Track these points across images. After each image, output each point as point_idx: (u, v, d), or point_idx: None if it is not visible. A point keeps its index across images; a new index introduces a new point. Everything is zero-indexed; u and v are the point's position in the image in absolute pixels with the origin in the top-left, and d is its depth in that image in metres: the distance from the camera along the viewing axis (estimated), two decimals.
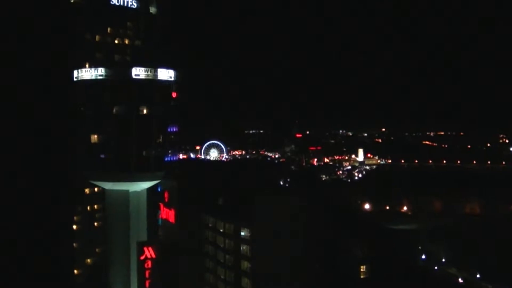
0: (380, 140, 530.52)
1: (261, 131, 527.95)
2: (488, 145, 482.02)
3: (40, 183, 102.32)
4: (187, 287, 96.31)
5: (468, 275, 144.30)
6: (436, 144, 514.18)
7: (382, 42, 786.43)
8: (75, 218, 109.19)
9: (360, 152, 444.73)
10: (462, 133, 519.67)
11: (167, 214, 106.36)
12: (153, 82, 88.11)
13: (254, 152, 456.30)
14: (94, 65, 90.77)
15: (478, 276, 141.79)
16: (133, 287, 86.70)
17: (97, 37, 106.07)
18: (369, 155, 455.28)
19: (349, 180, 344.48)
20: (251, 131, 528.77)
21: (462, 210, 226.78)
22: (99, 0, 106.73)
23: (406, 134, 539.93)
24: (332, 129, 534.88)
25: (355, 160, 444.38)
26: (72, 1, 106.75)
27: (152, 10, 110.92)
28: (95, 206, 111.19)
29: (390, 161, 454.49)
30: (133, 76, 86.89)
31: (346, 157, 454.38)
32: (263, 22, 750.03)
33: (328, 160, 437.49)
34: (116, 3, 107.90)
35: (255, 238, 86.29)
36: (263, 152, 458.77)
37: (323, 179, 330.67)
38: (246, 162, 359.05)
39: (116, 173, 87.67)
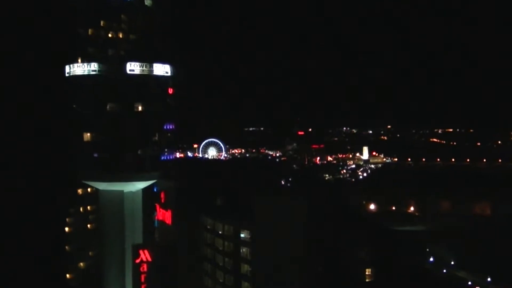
0: (385, 138, 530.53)
1: (262, 129, 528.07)
2: (499, 142, 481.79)
3: (29, 183, 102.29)
4: None
5: (478, 279, 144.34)
6: (444, 142, 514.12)
7: (385, 38, 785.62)
8: (67, 220, 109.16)
9: (365, 150, 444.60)
10: (471, 130, 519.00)
11: (164, 215, 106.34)
12: (148, 78, 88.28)
13: (254, 150, 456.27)
14: (87, 60, 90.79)
15: (488, 279, 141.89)
16: None
17: (90, 31, 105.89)
18: (374, 153, 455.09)
19: (353, 180, 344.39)
20: (251, 129, 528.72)
21: (472, 210, 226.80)
22: None
23: (413, 131, 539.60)
24: (335, 127, 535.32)
25: (359, 159, 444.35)
26: None
27: (148, 2, 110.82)
28: (88, 208, 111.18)
29: (396, 159, 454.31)
30: (128, 72, 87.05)
31: (350, 156, 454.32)
32: (263, 21, 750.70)
33: (331, 159, 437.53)
34: None
35: (255, 240, 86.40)
36: (263, 151, 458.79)
37: (326, 178, 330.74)
38: (245, 161, 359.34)
39: (110, 173, 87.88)
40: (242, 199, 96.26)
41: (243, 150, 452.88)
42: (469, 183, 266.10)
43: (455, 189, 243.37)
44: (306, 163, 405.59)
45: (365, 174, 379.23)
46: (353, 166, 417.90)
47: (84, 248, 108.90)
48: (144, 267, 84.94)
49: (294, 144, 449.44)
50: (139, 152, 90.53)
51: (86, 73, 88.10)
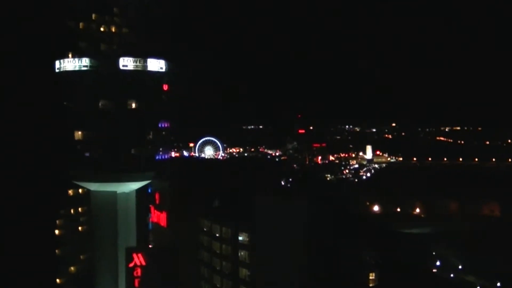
0: (390, 136, 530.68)
1: (261, 127, 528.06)
2: (509, 141, 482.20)
3: (17, 184, 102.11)
4: None
5: (487, 283, 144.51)
6: (451, 140, 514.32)
7: (390, 34, 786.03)
8: (57, 222, 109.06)
9: (368, 149, 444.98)
10: (479, 128, 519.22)
11: (158, 217, 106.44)
12: (142, 74, 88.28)
13: (253, 149, 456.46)
14: (78, 55, 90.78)
15: (498, 284, 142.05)
16: None
17: (81, 24, 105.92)
18: (378, 152, 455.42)
19: (356, 180, 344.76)
20: (249, 127, 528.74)
21: (480, 212, 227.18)
22: None
23: (419, 129, 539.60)
24: (337, 124, 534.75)
25: (362, 158, 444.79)
26: None
27: None
28: (80, 209, 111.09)
29: (401, 159, 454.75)
30: (121, 67, 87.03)
31: (353, 155, 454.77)
32: (264, 19, 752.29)
33: (333, 158, 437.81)
34: None
35: (254, 243, 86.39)
36: (262, 150, 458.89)
37: (328, 178, 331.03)
38: (244, 161, 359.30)
39: (103, 173, 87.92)
40: (241, 200, 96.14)
41: (241, 149, 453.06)
42: (477, 183, 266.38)
43: (463, 190, 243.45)
44: (307, 162, 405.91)
45: (368, 174, 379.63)
46: (356, 166, 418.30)
47: (75, 251, 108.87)
48: (138, 271, 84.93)
49: (295, 143, 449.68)
50: (132, 151, 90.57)
51: (77, 68, 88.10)
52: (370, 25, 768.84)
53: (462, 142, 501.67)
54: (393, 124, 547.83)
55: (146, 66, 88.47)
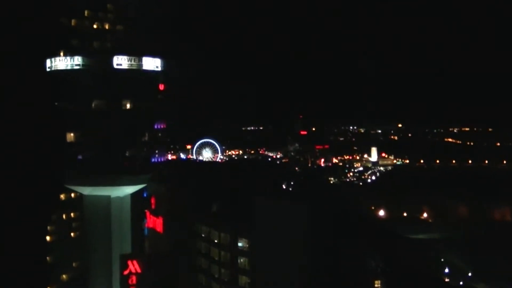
0: (396, 138, 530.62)
1: (261, 128, 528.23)
2: None
3: (5, 187, 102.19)
4: None
5: None
6: (460, 142, 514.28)
7: (395, 32, 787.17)
8: (48, 228, 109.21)
9: (374, 151, 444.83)
10: (490, 129, 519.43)
11: (154, 222, 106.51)
12: (137, 73, 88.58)
13: (253, 151, 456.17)
14: (70, 53, 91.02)
15: None
16: None
17: (73, 21, 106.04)
18: (383, 154, 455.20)
19: (360, 183, 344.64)
20: (249, 128, 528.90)
21: (491, 216, 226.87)
22: None
23: (426, 130, 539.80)
24: (341, 125, 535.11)
25: (367, 160, 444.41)
26: None
27: None
28: (72, 214, 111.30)
29: (407, 161, 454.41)
30: (115, 66, 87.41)
31: (358, 157, 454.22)
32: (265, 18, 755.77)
33: (337, 161, 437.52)
34: None
35: (254, 249, 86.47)
36: (263, 152, 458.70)
37: (332, 182, 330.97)
38: (244, 163, 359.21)
39: (96, 176, 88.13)
40: (240, 205, 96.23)
41: (240, 151, 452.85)
42: (488, 187, 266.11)
43: (473, 193, 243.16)
44: (310, 165, 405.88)
45: (373, 177, 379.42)
46: (361, 168, 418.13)
47: (67, 258, 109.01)
48: (133, 279, 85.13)
49: (296, 145, 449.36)
50: (127, 153, 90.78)
51: (69, 67, 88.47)
52: (373, 24, 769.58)
53: (472, 143, 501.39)
54: (399, 125, 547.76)
55: (141, 65, 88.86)
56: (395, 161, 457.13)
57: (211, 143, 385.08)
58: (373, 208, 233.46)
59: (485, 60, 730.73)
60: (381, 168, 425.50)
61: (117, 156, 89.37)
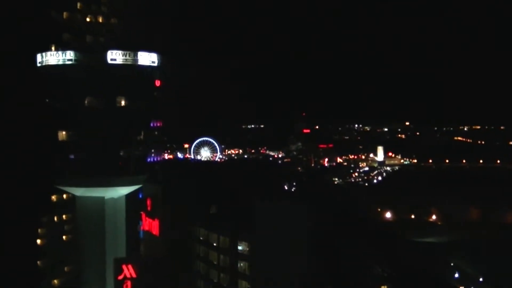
0: (403, 136, 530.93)
1: (262, 126, 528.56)
2: None
3: None
4: None
5: None
6: (470, 141, 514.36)
7: (403, 28, 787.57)
8: (39, 231, 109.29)
9: (380, 150, 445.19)
10: (502, 127, 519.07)
11: (150, 225, 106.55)
12: (132, 68, 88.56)
13: (253, 151, 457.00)
14: (62, 48, 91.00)
15: None
16: None
17: (65, 14, 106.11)
18: (390, 154, 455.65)
19: (366, 184, 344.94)
20: (249, 126, 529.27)
21: (503, 219, 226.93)
22: None
23: (435, 128, 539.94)
24: (346, 123, 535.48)
25: (373, 160, 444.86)
26: None
27: None
28: (64, 216, 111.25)
29: (415, 161, 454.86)
30: (109, 61, 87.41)
31: (363, 157, 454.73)
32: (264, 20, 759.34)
33: (341, 160, 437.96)
34: None
35: (255, 253, 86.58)
36: (264, 151, 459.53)
37: (336, 182, 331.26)
38: (244, 163, 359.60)
39: (89, 176, 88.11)
40: (240, 207, 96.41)
41: (240, 151, 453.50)
42: (500, 188, 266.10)
43: (484, 195, 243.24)
44: (313, 165, 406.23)
45: (380, 178, 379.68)
46: (366, 168, 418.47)
47: (59, 262, 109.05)
48: (128, 285, 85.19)
49: (299, 144, 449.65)
50: (122, 153, 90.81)
51: (60, 62, 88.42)
52: (383, 21, 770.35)
53: (483, 142, 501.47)
54: (407, 123, 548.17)
55: (137, 60, 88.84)
56: (402, 160, 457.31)
57: (210, 142, 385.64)
58: (379, 210, 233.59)
59: (498, 57, 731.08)
60: (388, 168, 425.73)
61: (111, 155, 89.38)
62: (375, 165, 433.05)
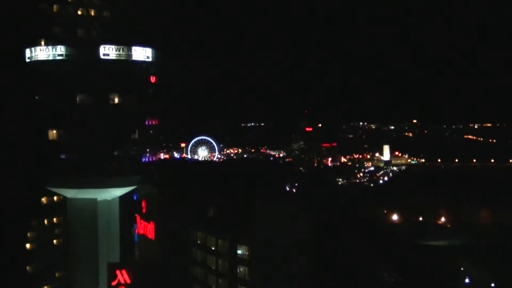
0: (410, 135, 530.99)
1: (262, 124, 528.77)
2: None
3: None
4: None
5: None
6: (481, 139, 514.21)
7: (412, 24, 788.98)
8: (28, 235, 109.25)
9: (386, 149, 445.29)
10: None
11: (145, 228, 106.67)
12: (126, 64, 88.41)
13: (253, 150, 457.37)
14: (52, 42, 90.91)
15: None
16: None
17: (55, 7, 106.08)
18: (396, 153, 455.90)
19: (371, 185, 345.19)
20: (249, 125, 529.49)
21: None
22: None
23: (444, 126, 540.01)
24: (350, 121, 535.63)
25: (379, 160, 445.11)
26: None
27: None
28: (55, 220, 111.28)
29: (423, 160, 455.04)
30: (102, 56, 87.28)
31: (368, 156, 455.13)
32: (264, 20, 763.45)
33: (345, 160, 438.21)
34: None
35: (255, 258, 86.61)
36: (264, 151, 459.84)
37: (340, 183, 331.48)
38: (243, 163, 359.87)
39: (81, 177, 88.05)
40: (239, 209, 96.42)
41: (240, 150, 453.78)
42: None
43: (495, 196, 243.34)
44: (316, 164, 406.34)
45: (386, 178, 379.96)
46: (372, 168, 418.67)
47: (49, 268, 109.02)
48: None
49: (301, 143, 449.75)
50: (115, 152, 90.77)
51: (51, 58, 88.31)
52: (391, 15, 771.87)
53: (494, 141, 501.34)
54: (414, 121, 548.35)
55: (131, 55, 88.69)
56: (409, 160, 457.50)
57: (207, 141, 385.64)
58: (385, 212, 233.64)
59: (510, 52, 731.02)
60: (394, 168, 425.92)
61: (105, 155, 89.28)
62: (381, 164, 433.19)
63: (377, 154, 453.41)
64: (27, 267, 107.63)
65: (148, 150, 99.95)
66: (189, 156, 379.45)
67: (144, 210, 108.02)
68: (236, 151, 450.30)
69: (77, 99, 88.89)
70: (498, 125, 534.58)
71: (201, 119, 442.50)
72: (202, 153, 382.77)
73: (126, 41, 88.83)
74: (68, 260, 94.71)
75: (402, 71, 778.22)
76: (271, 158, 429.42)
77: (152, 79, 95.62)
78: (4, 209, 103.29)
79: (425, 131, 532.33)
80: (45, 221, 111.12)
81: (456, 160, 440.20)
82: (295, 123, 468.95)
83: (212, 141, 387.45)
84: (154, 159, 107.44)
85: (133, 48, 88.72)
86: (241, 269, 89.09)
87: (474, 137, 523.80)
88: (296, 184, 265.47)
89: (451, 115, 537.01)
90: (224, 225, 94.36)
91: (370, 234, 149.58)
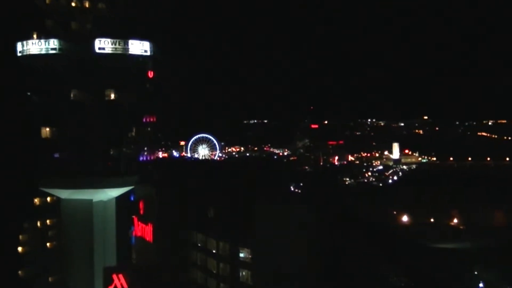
0: (421, 132, 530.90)
1: (265, 121, 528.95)
2: None
3: None
4: None
5: None
6: (496, 137, 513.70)
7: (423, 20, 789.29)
8: (20, 237, 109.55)
9: (395, 147, 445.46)
10: None
11: (143, 230, 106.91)
12: (122, 58, 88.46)
13: (256, 148, 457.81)
14: (45, 35, 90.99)
15: None
16: None
17: None
18: (406, 151, 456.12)
19: (380, 184, 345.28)
20: (251, 121, 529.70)
21: None
22: None
23: (456, 123, 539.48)
24: (357, 118, 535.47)
25: (388, 158, 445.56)
26: None
27: None
28: (48, 221, 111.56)
29: (434, 159, 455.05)
30: (97, 50, 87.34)
31: (377, 154, 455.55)
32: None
33: (353, 158, 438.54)
34: None
35: (257, 261, 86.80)
36: (267, 149, 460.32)
37: (347, 183, 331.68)
38: (245, 162, 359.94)
39: (75, 177, 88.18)
40: (241, 210, 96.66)
41: (242, 148, 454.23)
42: None
43: (510, 197, 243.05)
44: (321, 163, 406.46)
45: (395, 178, 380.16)
46: (381, 167, 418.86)
47: (42, 272, 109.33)
48: None
49: (306, 140, 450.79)
50: (111, 151, 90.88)
51: (43, 52, 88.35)
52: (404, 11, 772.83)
53: (510, 138, 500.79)
54: (425, 117, 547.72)
55: (127, 49, 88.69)
56: (420, 158, 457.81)
57: (208, 139, 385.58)
58: (395, 213, 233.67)
59: None
60: (404, 167, 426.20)
61: (100, 154, 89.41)
62: (390, 163, 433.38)
63: (386, 153, 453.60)
64: (19, 272, 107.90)
65: (145, 148, 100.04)
66: (188, 155, 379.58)
67: (141, 211, 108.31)
68: (238, 150, 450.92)
69: (71, 95, 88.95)
70: None
71: (201, 116, 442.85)
72: (203, 152, 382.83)
73: (122, 34, 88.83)
74: (62, 263, 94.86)
75: (412, 66, 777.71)
76: (275, 157, 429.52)
77: (150, 74, 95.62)
78: None
79: (437, 128, 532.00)
80: (38, 223, 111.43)
81: (469, 159, 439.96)
82: (300, 120, 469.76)
83: (213, 139, 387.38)
84: (152, 158, 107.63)
85: (130, 41, 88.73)
86: (243, 273, 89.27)
87: (488, 134, 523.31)
88: (301, 184, 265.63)
89: (464, 111, 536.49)
90: (226, 227, 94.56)
91: (372, 235, 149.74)
